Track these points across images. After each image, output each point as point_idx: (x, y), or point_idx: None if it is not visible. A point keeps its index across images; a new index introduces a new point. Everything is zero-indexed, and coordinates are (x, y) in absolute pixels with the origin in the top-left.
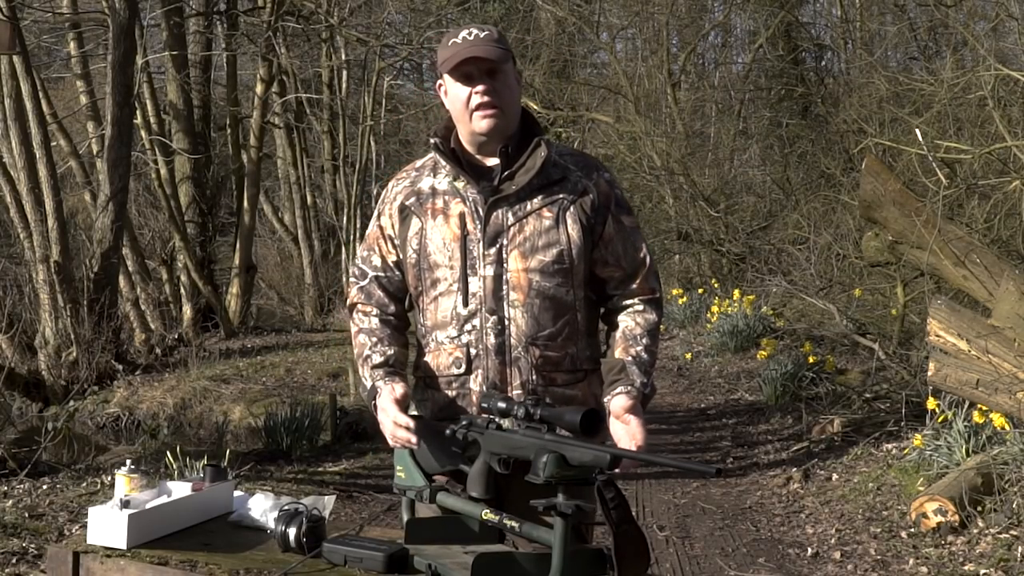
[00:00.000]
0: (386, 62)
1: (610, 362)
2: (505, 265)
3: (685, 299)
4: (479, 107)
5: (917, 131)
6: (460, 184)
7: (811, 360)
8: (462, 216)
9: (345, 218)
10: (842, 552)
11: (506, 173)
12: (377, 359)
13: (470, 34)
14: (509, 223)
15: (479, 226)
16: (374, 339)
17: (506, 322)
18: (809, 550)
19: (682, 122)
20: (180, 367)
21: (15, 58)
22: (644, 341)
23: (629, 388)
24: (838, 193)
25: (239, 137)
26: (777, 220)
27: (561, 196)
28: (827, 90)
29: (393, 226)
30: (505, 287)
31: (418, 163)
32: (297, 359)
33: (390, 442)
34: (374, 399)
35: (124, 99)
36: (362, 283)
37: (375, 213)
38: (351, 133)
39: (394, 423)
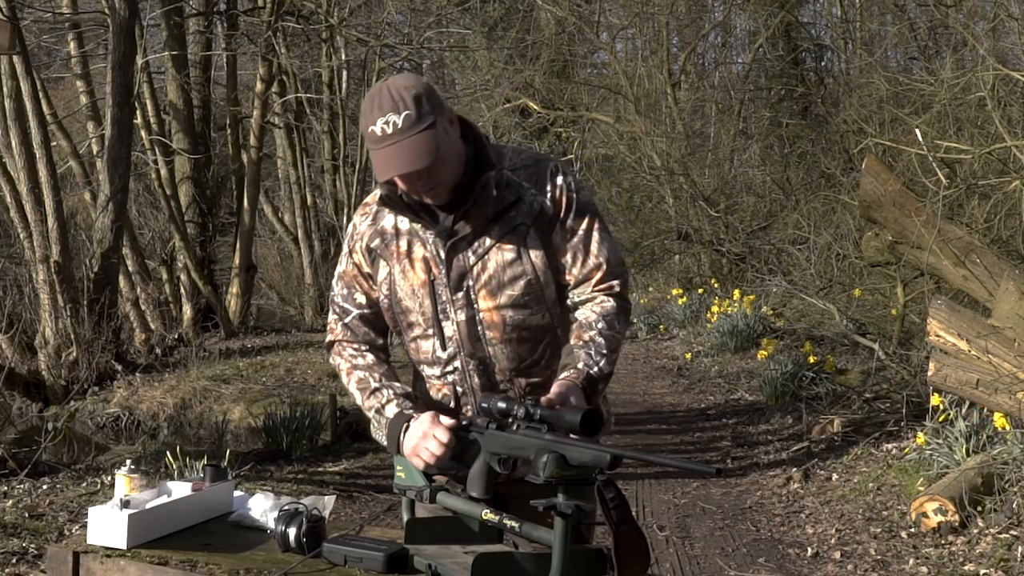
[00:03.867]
0: (386, 62)
1: (564, 350)
2: (476, 307)
3: (685, 299)
4: (420, 194)
5: (917, 131)
6: (418, 226)
7: (811, 360)
8: (426, 260)
9: (345, 218)
10: (842, 552)
11: (460, 212)
12: (400, 391)
13: (388, 123)
14: (471, 263)
15: (443, 269)
16: (377, 374)
17: (488, 361)
18: (809, 550)
19: (682, 122)
20: (180, 367)
21: (15, 58)
22: (599, 326)
23: (571, 371)
24: (838, 193)
25: (239, 137)
26: (777, 220)
27: (519, 223)
28: (827, 90)
29: (367, 264)
30: (480, 327)
31: (379, 194)
32: (297, 359)
33: (420, 466)
34: (407, 423)
35: (124, 99)
36: (345, 320)
37: (345, 250)
38: (351, 133)
39: (441, 443)
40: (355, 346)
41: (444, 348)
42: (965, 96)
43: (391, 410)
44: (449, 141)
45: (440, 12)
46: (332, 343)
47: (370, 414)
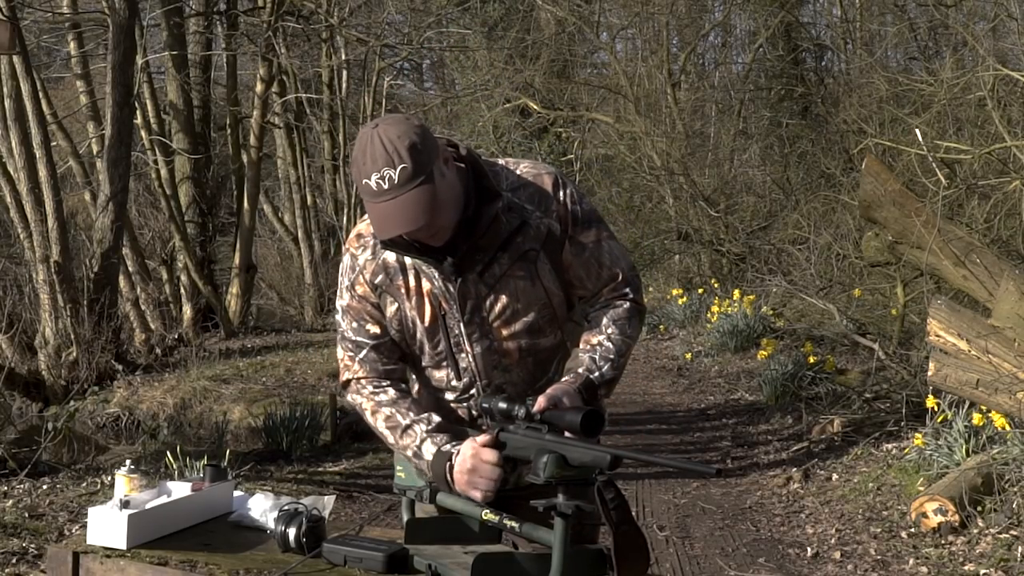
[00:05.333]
0: (386, 62)
1: (572, 354)
2: (491, 337)
3: (685, 299)
4: (422, 240)
5: (917, 131)
6: (421, 261)
7: (811, 360)
8: (433, 296)
9: (345, 218)
10: (842, 552)
11: (468, 245)
12: (432, 426)
13: (383, 178)
14: (483, 295)
15: (454, 305)
16: (403, 409)
17: (504, 387)
18: (809, 550)
19: (682, 122)
20: (180, 367)
21: (15, 58)
22: (608, 330)
23: (571, 375)
24: (838, 193)
25: (239, 137)
26: (777, 220)
27: (528, 248)
28: (827, 90)
29: (373, 296)
30: (496, 356)
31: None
32: (297, 359)
33: (480, 497)
34: (449, 461)
35: (124, 99)
36: (360, 354)
37: (346, 283)
38: (351, 133)
39: (496, 465)
40: (375, 382)
41: (459, 378)
42: (965, 96)
43: (428, 450)
44: (447, 185)
45: (440, 12)
46: (348, 381)
47: (407, 454)
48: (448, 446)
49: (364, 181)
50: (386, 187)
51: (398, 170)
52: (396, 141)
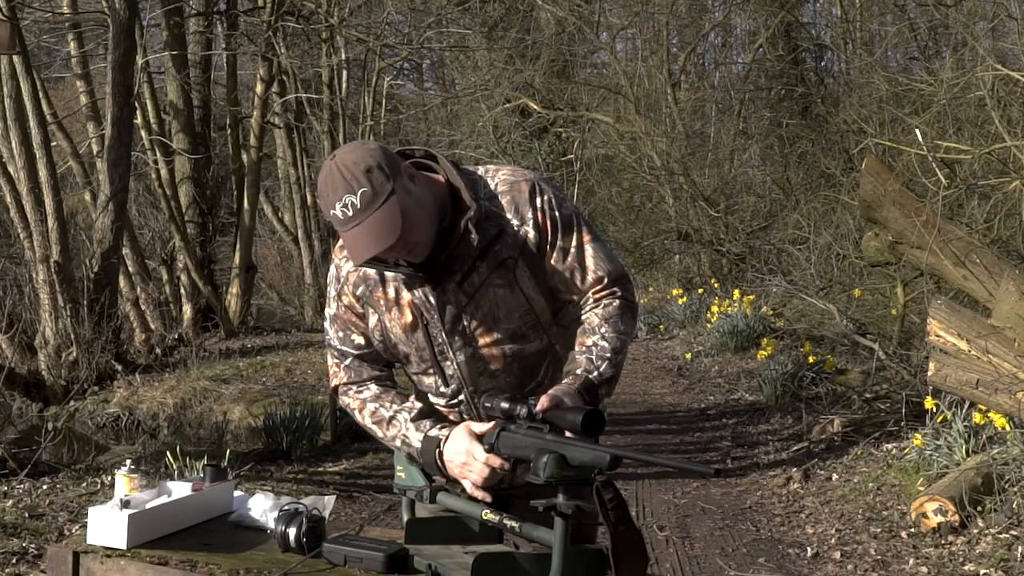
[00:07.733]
0: (386, 62)
1: (569, 356)
2: (473, 345)
3: (685, 299)
4: (400, 258)
5: (917, 131)
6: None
7: (811, 360)
8: (415, 305)
9: None
10: (842, 552)
11: (444, 256)
12: (414, 413)
13: (346, 206)
14: (463, 304)
15: (435, 314)
16: (387, 402)
17: (493, 392)
18: (809, 550)
19: (682, 122)
20: (180, 367)
21: (15, 58)
22: (602, 330)
23: (569, 377)
24: (838, 193)
25: (239, 137)
26: (777, 220)
27: (506, 257)
28: (827, 90)
29: (358, 306)
30: (480, 363)
31: None
32: (297, 359)
33: (475, 492)
34: (437, 447)
35: (124, 99)
36: (345, 362)
37: (333, 293)
38: (351, 133)
39: (486, 464)
40: (358, 384)
41: (447, 385)
42: (965, 96)
43: (415, 437)
44: (414, 200)
45: (440, 12)
46: (337, 387)
47: (396, 444)
48: (435, 430)
49: (331, 212)
50: (351, 214)
51: (359, 195)
52: (353, 167)
